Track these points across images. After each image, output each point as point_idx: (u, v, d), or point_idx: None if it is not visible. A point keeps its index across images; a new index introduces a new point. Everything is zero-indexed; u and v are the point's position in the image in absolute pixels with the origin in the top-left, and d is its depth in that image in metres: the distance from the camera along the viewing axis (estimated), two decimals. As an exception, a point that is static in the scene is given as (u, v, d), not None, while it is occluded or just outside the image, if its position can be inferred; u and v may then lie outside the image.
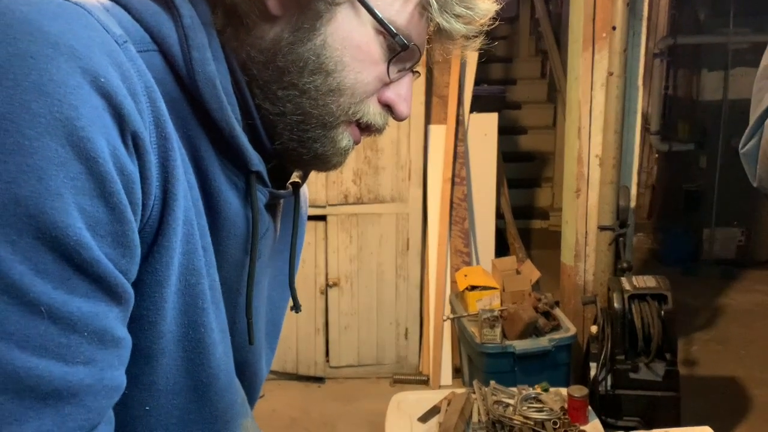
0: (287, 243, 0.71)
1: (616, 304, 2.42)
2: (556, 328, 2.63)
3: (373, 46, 0.58)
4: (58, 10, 0.45)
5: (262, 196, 0.60)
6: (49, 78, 0.42)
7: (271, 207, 0.64)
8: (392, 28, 0.57)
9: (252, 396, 0.71)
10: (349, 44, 0.57)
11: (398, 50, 0.58)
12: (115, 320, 0.47)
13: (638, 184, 3.02)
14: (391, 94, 0.61)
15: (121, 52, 0.47)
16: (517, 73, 6.25)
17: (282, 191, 0.64)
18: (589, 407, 1.86)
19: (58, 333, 0.43)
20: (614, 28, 2.61)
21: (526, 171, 5.91)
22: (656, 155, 5.59)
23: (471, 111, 3.24)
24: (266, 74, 0.57)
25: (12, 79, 0.41)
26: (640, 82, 2.82)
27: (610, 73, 2.65)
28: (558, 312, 2.72)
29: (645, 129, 5.07)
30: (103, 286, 0.45)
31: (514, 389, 1.94)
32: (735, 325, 4.05)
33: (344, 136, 0.61)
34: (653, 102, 5.02)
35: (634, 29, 2.72)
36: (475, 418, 1.84)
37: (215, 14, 0.56)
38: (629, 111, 2.78)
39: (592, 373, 2.51)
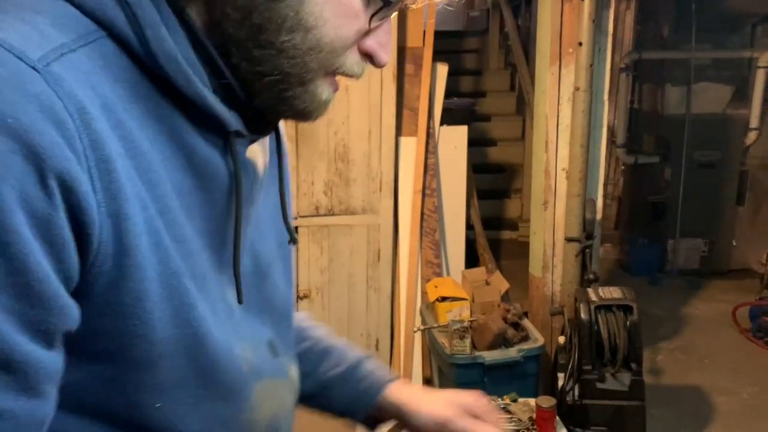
0: (275, 177, 0.71)
1: (583, 315, 2.46)
2: (525, 338, 2.66)
3: None
4: None
5: (242, 147, 0.60)
6: None
7: (253, 150, 0.64)
8: None
9: (285, 332, 0.73)
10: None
11: (380, 4, 0.57)
12: (1, 390, 0.46)
13: (605, 196, 3.08)
14: (371, 43, 0.59)
15: (40, 79, 0.45)
16: (487, 86, 6.32)
17: (261, 136, 0.64)
18: (557, 417, 1.89)
19: None
20: (580, 44, 2.66)
21: (495, 182, 5.97)
22: (622, 167, 5.69)
23: (441, 123, 3.27)
24: (241, 32, 0.54)
25: None
26: (605, 96, 2.88)
27: (577, 88, 2.70)
28: (526, 323, 2.75)
29: (611, 142, 5.16)
30: None
31: (484, 400, 1.96)
32: (699, 334, 4.13)
33: (324, 89, 0.59)
34: (619, 115, 5.12)
35: (599, 45, 2.79)
36: (444, 430, 1.85)
37: None
38: (595, 125, 2.84)
39: (560, 383, 2.54)
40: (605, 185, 4.92)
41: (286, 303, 0.75)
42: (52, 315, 0.47)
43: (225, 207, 0.60)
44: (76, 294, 0.50)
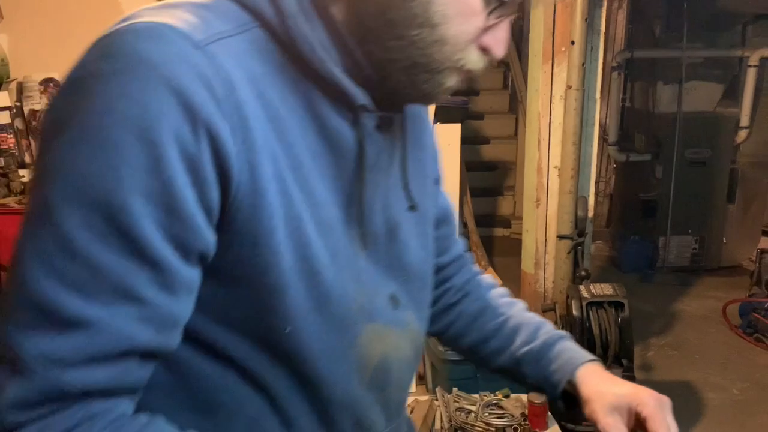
0: (413, 148, 0.80)
1: (574, 312, 2.48)
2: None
3: None
4: (150, 33, 0.57)
5: (370, 120, 0.70)
6: (133, 86, 0.55)
7: (388, 125, 0.73)
8: None
9: (415, 292, 0.81)
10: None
11: (497, 4, 0.64)
12: (144, 281, 0.56)
13: (597, 194, 3.10)
14: (489, 39, 0.67)
15: (199, 54, 0.57)
16: (480, 84, 6.34)
17: (388, 113, 0.72)
18: (549, 413, 1.90)
19: (86, 276, 0.54)
20: (573, 43, 2.68)
21: (488, 180, 5.98)
22: (614, 165, 5.72)
23: (435, 121, 3.28)
24: (378, 25, 0.64)
25: (111, 86, 0.55)
26: (597, 95, 2.90)
27: (569, 87, 2.72)
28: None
29: (603, 140, 5.20)
30: (136, 247, 0.55)
31: (476, 396, 1.97)
32: (689, 330, 4.16)
33: (450, 79, 0.68)
34: (611, 113, 5.15)
35: (592, 44, 2.80)
36: (437, 425, 1.86)
37: None
38: (587, 123, 2.86)
39: (552, 379, 2.56)
40: (597, 183, 4.95)
41: (419, 267, 0.82)
42: (189, 233, 0.58)
43: (353, 170, 0.70)
44: (222, 226, 0.61)
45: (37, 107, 2.75)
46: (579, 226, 2.83)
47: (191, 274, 0.60)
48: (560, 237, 2.86)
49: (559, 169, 2.84)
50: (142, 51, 0.56)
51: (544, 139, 2.85)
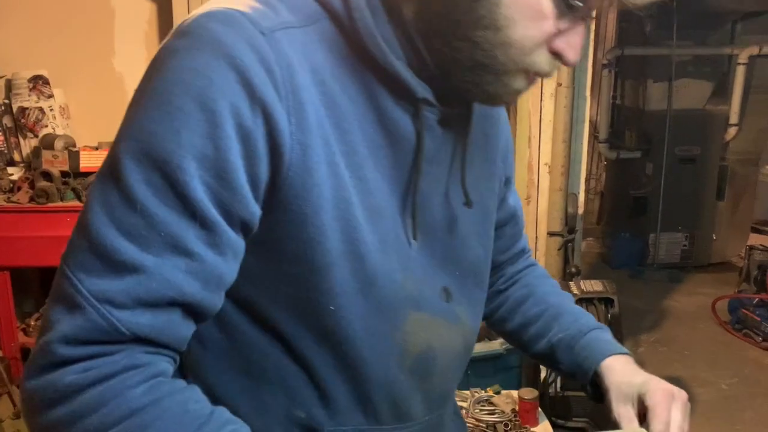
0: (479, 146, 0.82)
1: (565, 308, 2.49)
2: (508, 331, 2.69)
3: (544, 3, 0.63)
4: (222, 17, 0.62)
5: (432, 114, 0.71)
6: (202, 61, 0.60)
7: (453, 121, 0.75)
8: None
9: (468, 288, 0.83)
10: (521, 2, 0.63)
11: (568, 8, 0.63)
12: (193, 237, 0.60)
13: (587, 191, 3.11)
14: (561, 44, 0.66)
15: (263, 39, 0.62)
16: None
17: (451, 110, 0.73)
18: (540, 409, 1.92)
19: (142, 226, 0.59)
20: (563, 40, 2.69)
21: (480, 177, 5.99)
22: (605, 162, 5.75)
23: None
24: (444, 24, 0.66)
25: (183, 60, 0.60)
26: (587, 92, 2.91)
27: (559, 84, 2.73)
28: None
29: (594, 137, 5.21)
30: (188, 205, 0.60)
31: (467, 392, 1.98)
32: (679, 326, 4.20)
33: (517, 80, 0.68)
34: (602, 111, 5.17)
35: (582, 41, 2.81)
36: (429, 422, 1.87)
37: None
38: (577, 120, 2.87)
39: (543, 375, 2.58)
40: (587, 180, 4.97)
41: (476, 264, 0.84)
42: (234, 200, 0.62)
43: (411, 162, 0.72)
44: (271, 201, 0.64)
45: (26, 104, 2.73)
46: (569, 223, 2.84)
47: (236, 238, 0.63)
48: (551, 234, 2.87)
49: (549, 167, 2.85)
50: (213, 31, 0.61)
51: (535, 137, 2.86)
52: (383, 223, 0.71)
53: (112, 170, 0.60)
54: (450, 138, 0.76)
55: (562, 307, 0.97)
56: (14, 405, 2.41)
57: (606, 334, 0.93)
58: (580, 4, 0.64)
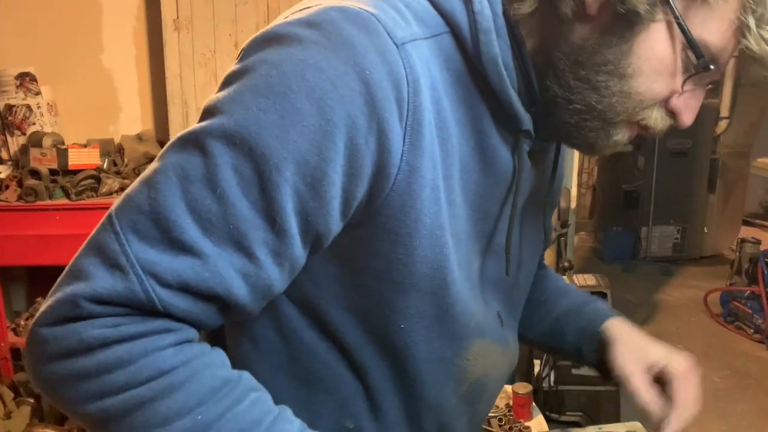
0: (545, 184, 0.81)
1: (558, 302, 2.49)
2: (502, 326, 2.69)
3: (676, 60, 0.61)
4: (357, 19, 0.58)
5: (526, 146, 0.70)
6: (329, 62, 0.56)
7: (537, 153, 0.74)
8: (701, 50, 0.59)
9: (515, 312, 0.85)
10: (653, 56, 0.60)
11: (699, 70, 0.61)
12: (261, 240, 0.57)
13: (579, 185, 3.11)
14: (680, 104, 0.64)
15: (396, 52, 0.58)
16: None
17: (544, 143, 0.73)
18: (533, 403, 1.91)
19: (214, 211, 0.55)
20: (554, 34, 2.68)
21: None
22: (596, 157, 5.75)
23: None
24: (564, 63, 0.63)
25: (309, 54, 0.56)
26: (579, 86, 2.91)
27: (551, 78, 2.72)
28: (503, 311, 2.77)
29: (586, 131, 5.22)
30: (270, 207, 0.56)
31: (461, 388, 1.98)
32: (672, 319, 4.21)
33: (620, 132, 0.66)
34: (593, 105, 5.17)
35: (573, 35, 2.81)
36: (422, 418, 1.86)
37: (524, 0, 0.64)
38: (569, 114, 2.87)
39: (536, 370, 2.58)
40: (580, 174, 4.97)
41: (525, 292, 0.87)
42: (320, 214, 0.59)
43: (501, 191, 0.71)
44: (363, 218, 0.62)
45: (13, 102, 2.70)
46: (562, 217, 2.84)
47: (301, 253, 0.60)
48: (543, 228, 2.87)
49: (541, 161, 2.85)
50: (347, 33, 0.57)
51: (527, 131, 2.86)
52: (461, 250, 0.69)
53: (201, 141, 0.56)
54: (536, 170, 0.75)
55: (561, 289, 0.99)
56: (5, 405, 2.39)
57: (601, 303, 0.94)
58: (712, 68, 0.61)
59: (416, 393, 0.73)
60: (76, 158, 2.55)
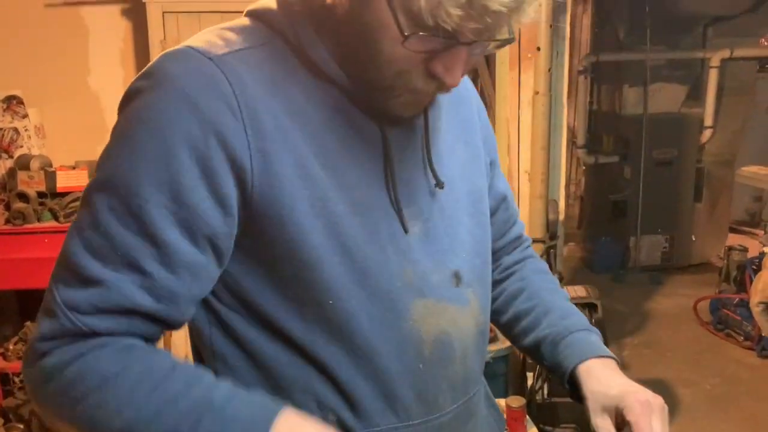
0: (449, 131, 0.86)
1: (549, 315, 2.49)
2: (493, 339, 2.69)
3: (394, 27, 0.66)
4: (174, 54, 0.71)
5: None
6: (158, 97, 0.68)
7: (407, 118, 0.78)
8: (399, 16, 0.65)
9: (476, 268, 0.86)
10: (378, 25, 0.67)
11: (409, 35, 0.66)
12: (148, 256, 0.67)
13: (567, 196, 3.13)
14: (437, 66, 0.69)
15: (211, 64, 0.69)
16: (450, 90, 6.35)
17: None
18: (527, 416, 1.91)
19: (105, 245, 0.67)
20: (539, 49, 2.71)
21: (460, 185, 6.00)
22: (583, 167, 5.80)
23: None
24: (346, 54, 0.72)
25: (142, 98, 0.68)
26: (564, 99, 2.94)
27: (536, 92, 2.75)
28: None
29: (572, 143, 5.26)
30: (143, 227, 0.66)
31: (454, 403, 1.97)
32: (662, 328, 4.23)
33: (400, 94, 0.72)
34: (579, 116, 5.22)
35: (557, 49, 2.84)
36: None
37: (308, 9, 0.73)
38: (555, 127, 2.89)
39: (529, 382, 2.58)
40: (567, 185, 5.01)
41: (477, 245, 0.87)
42: (195, 218, 0.68)
43: (381, 156, 0.76)
44: (248, 211, 0.70)
45: (0, 125, 2.69)
46: (550, 229, 2.86)
47: (196, 257, 0.69)
48: (533, 241, 2.87)
49: (529, 174, 2.87)
50: (166, 68, 0.69)
51: (513, 144, 2.88)
52: (372, 215, 0.75)
53: (85, 200, 0.70)
54: (415, 127, 0.80)
55: (554, 304, 0.97)
56: (-6, 431, 2.37)
57: (592, 336, 0.92)
58: (421, 34, 0.65)
59: (379, 367, 0.76)
60: (64, 180, 2.55)
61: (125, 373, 0.67)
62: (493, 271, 1.01)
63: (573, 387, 0.89)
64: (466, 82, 0.94)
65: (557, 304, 0.98)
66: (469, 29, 0.65)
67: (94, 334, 0.67)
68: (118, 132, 0.70)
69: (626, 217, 5.15)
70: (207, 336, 0.77)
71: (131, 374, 0.67)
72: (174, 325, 0.72)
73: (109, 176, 0.68)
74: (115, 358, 0.67)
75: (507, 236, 1.03)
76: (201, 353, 0.79)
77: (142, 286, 0.67)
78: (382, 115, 0.75)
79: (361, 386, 0.76)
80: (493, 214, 0.97)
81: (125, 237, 0.67)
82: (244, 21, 0.77)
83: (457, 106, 0.89)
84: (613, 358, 0.90)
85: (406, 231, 0.77)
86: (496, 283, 1.02)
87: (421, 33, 0.65)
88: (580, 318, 0.96)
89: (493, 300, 1.01)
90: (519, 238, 1.06)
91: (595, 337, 0.93)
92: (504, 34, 0.69)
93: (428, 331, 0.79)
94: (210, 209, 0.68)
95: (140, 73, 0.71)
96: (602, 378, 0.86)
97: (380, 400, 0.77)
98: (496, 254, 1.02)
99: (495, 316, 1.02)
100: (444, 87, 0.72)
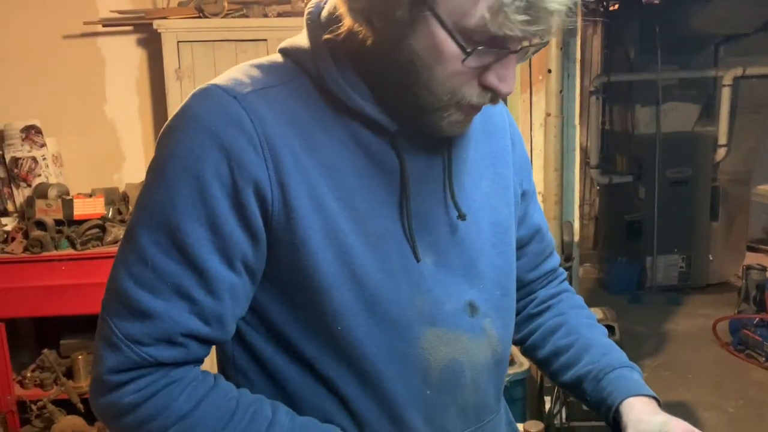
0: (475, 161, 0.88)
1: (566, 337, 2.47)
2: (511, 363, 2.66)
3: (448, 46, 0.69)
4: (200, 94, 0.75)
5: (408, 142, 0.78)
6: (186, 135, 0.73)
7: (434, 143, 0.81)
8: (456, 36, 0.68)
9: (494, 299, 0.87)
10: (430, 47, 0.70)
11: (469, 52, 0.69)
12: (195, 285, 0.73)
13: (581, 217, 3.12)
14: (490, 78, 0.72)
15: (235, 102, 0.74)
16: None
17: (428, 136, 0.79)
18: (545, 441, 1.89)
19: (153, 278, 0.72)
20: (549, 71, 2.72)
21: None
22: (597, 188, 5.77)
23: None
24: (383, 77, 0.75)
25: (175, 137, 0.74)
26: (576, 120, 2.94)
27: (548, 114, 2.76)
28: (512, 347, 2.75)
29: (585, 163, 5.25)
30: (188, 258, 0.72)
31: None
32: (681, 350, 4.17)
33: (450, 114, 0.75)
34: (592, 137, 5.21)
35: (568, 71, 2.85)
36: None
37: (340, 36, 0.76)
38: (568, 148, 2.89)
39: (547, 406, 2.55)
40: (581, 206, 4.99)
41: (497, 275, 0.88)
42: (230, 245, 0.73)
43: (399, 187, 0.79)
44: (270, 238, 0.75)
45: (19, 154, 2.74)
46: (566, 251, 2.84)
47: (234, 280, 0.75)
48: (547, 262, 2.86)
49: (542, 195, 2.86)
50: (194, 107, 0.74)
51: (527, 166, 2.88)
52: (384, 246, 0.78)
53: (129, 236, 0.75)
54: (439, 159, 0.81)
55: (594, 340, 0.97)
56: (11, 460, 2.37)
57: (635, 374, 0.93)
58: (480, 48, 0.68)
59: (387, 391, 0.79)
60: (81, 208, 2.58)
61: (197, 411, 0.74)
62: (528, 304, 1.03)
63: (616, 425, 0.89)
64: (504, 111, 0.95)
65: (597, 340, 0.98)
66: (530, 33, 0.68)
67: (159, 364, 0.73)
68: (154, 168, 0.75)
69: (642, 237, 5.11)
70: (230, 351, 0.82)
71: (202, 412, 0.74)
72: (222, 343, 0.79)
73: (151, 212, 0.73)
74: (186, 396, 0.74)
75: (541, 268, 1.03)
76: (224, 367, 0.84)
77: (191, 312, 0.73)
78: (399, 148, 0.78)
79: (368, 408, 0.79)
80: (527, 244, 0.98)
81: (172, 268, 0.72)
82: (276, 57, 0.81)
83: (490, 137, 0.90)
84: (657, 399, 0.90)
85: (417, 260, 0.79)
86: (532, 317, 1.02)
87: (479, 48, 0.68)
88: (621, 355, 0.96)
89: (530, 334, 1.02)
90: (554, 270, 1.06)
91: (638, 375, 0.93)
92: (551, 36, 0.72)
93: (438, 358, 0.81)
94: (242, 236, 0.74)
95: (176, 111, 0.77)
96: (645, 410, 0.87)
97: (387, 422, 0.79)
98: (531, 286, 1.02)
99: (532, 351, 1.03)
100: (499, 97, 0.74)
